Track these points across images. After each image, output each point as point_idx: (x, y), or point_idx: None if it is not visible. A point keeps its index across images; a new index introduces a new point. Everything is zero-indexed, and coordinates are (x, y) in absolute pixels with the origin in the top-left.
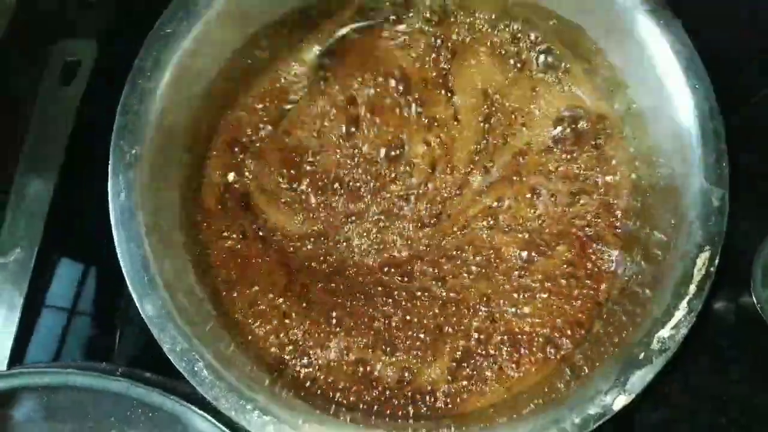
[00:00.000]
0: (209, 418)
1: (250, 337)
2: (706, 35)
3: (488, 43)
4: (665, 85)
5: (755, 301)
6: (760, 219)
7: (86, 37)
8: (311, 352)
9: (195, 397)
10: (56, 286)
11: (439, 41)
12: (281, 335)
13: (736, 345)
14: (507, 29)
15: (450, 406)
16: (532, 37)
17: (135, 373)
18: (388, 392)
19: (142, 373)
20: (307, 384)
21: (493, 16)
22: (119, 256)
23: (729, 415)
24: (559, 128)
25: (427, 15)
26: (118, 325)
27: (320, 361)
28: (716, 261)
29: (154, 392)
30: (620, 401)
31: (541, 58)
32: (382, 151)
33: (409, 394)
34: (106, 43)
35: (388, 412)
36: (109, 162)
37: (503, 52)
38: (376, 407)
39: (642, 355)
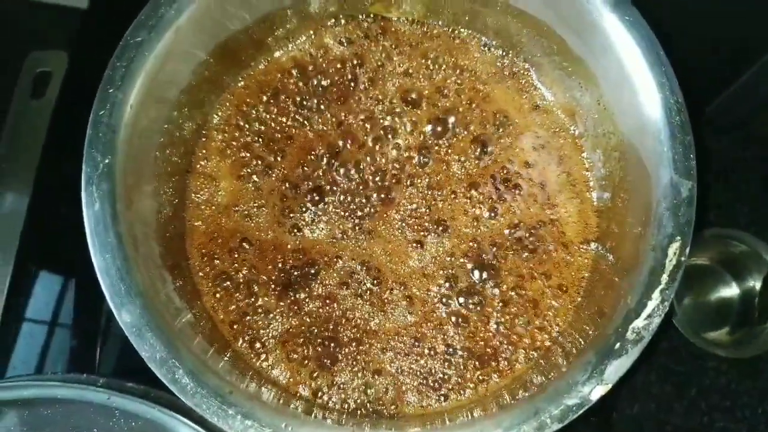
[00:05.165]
0: (192, 425)
1: (230, 343)
2: (675, 26)
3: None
4: (633, 82)
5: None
6: None
7: (57, 48)
8: (281, 355)
9: (178, 405)
10: (36, 299)
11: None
12: (263, 340)
13: None
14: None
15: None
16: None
17: (116, 384)
18: (363, 399)
19: (124, 383)
20: (287, 386)
21: (460, 17)
22: (95, 266)
23: (709, 401)
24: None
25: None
26: (100, 336)
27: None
28: (687, 250)
29: (135, 401)
30: (598, 391)
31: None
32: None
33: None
34: (77, 53)
35: (364, 413)
36: (82, 173)
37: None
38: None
39: (617, 345)
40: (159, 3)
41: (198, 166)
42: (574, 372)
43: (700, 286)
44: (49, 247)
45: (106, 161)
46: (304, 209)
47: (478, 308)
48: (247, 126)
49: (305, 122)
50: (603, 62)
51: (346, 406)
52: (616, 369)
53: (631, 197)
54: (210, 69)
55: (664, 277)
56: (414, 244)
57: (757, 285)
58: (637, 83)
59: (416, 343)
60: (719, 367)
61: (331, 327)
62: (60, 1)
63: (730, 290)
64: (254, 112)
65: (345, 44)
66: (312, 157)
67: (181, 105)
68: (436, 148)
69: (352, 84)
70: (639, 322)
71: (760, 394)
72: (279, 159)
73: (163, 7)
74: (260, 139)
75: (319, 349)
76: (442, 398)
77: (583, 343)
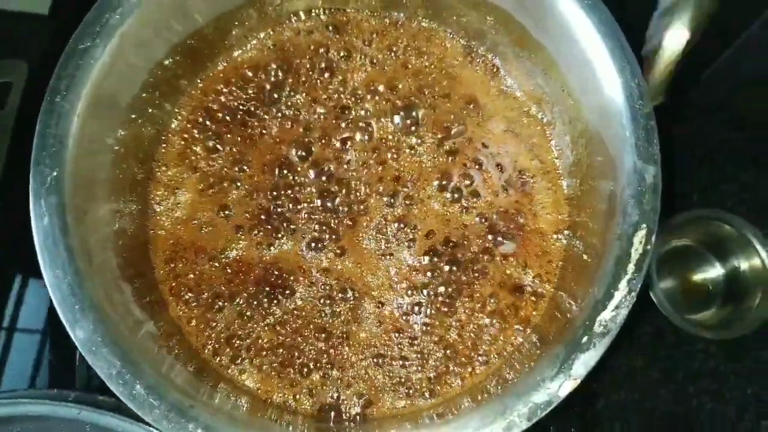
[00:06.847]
0: None
1: (198, 352)
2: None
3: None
4: (594, 67)
5: (654, 298)
6: None
7: (17, 57)
8: (252, 364)
9: None
10: (28, 307)
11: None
12: (231, 350)
13: None
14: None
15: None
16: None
17: (87, 398)
18: (333, 407)
19: (95, 396)
20: (256, 395)
21: (420, 8)
22: (46, 282)
23: (698, 385)
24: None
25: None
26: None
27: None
28: (653, 238)
29: (106, 415)
30: (566, 387)
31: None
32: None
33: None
34: (37, 62)
35: (335, 420)
36: (30, 187)
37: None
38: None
39: (585, 339)
40: (103, 8)
41: (158, 173)
42: (542, 368)
43: (683, 268)
44: (21, 256)
45: (54, 174)
46: (271, 218)
47: (451, 308)
48: (207, 129)
49: (269, 122)
50: (563, 49)
51: (316, 414)
52: (584, 363)
53: (598, 185)
54: (165, 72)
55: (631, 267)
56: (385, 251)
57: (742, 264)
58: (597, 69)
59: (387, 351)
60: (707, 350)
61: (300, 338)
62: (20, 8)
63: (715, 271)
64: (215, 114)
65: (306, 38)
66: (277, 161)
67: (136, 111)
68: (406, 140)
69: (316, 78)
70: (606, 314)
71: (748, 374)
72: (242, 165)
73: (107, 12)
74: (222, 144)
75: (288, 359)
76: (414, 401)
77: (552, 337)
